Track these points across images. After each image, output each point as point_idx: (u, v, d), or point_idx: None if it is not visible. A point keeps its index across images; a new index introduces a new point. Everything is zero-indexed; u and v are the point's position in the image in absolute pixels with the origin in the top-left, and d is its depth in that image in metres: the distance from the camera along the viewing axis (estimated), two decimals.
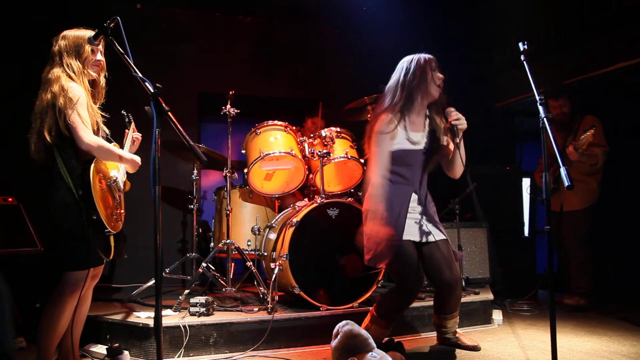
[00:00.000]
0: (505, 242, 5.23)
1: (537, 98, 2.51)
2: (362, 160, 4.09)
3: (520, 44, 2.61)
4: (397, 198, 2.91)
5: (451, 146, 3.01)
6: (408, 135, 2.94)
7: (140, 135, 2.99)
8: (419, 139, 2.99)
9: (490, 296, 4.07)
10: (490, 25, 6.05)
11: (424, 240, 2.93)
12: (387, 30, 5.54)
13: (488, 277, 4.68)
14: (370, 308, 3.16)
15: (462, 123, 2.88)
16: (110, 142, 2.72)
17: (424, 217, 2.98)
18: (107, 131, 2.74)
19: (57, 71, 2.56)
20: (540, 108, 2.50)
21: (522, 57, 2.62)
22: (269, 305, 3.39)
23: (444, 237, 2.99)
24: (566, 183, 2.33)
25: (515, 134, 6.53)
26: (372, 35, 5.61)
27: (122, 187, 2.79)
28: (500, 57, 5.77)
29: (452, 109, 2.91)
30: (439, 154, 3.05)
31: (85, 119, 2.51)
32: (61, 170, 2.48)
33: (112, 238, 2.66)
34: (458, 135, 2.89)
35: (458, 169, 3.01)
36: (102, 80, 2.76)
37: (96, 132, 2.61)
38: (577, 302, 4.49)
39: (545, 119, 2.46)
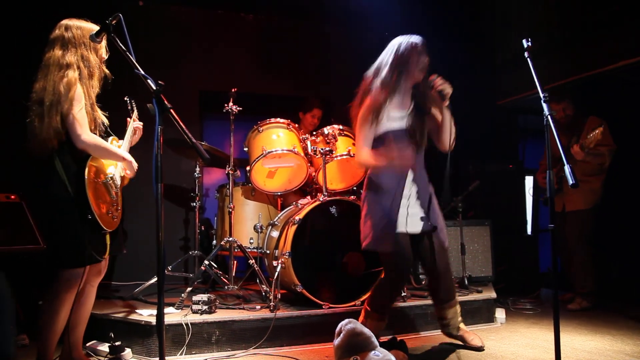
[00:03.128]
0: (508, 240, 5.22)
1: (542, 95, 2.50)
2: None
3: (524, 41, 2.60)
4: (391, 181, 2.93)
5: (438, 116, 3.02)
6: (396, 115, 2.96)
7: (142, 124, 2.95)
8: (403, 118, 2.99)
9: (493, 294, 4.05)
10: (493, 22, 6.03)
11: (417, 227, 2.93)
12: (391, 28, 5.51)
13: (491, 275, 4.67)
14: (365, 304, 3.14)
15: (447, 88, 2.88)
16: (108, 135, 2.70)
17: (419, 201, 2.97)
18: (107, 122, 2.70)
19: (70, 59, 2.50)
20: (545, 105, 2.48)
21: (526, 54, 2.60)
22: (272, 304, 3.39)
23: (437, 223, 2.99)
24: (571, 181, 2.31)
25: (518, 132, 6.51)
26: (375, 33, 5.59)
27: (119, 183, 2.75)
28: (502, 55, 5.75)
29: (435, 76, 2.91)
30: (428, 128, 3.05)
31: (83, 117, 2.48)
32: (57, 166, 2.45)
33: (107, 236, 2.64)
34: (445, 99, 2.90)
35: (447, 137, 2.99)
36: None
37: (94, 130, 2.58)
38: (579, 305, 4.47)
39: (549, 117, 2.44)
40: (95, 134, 2.59)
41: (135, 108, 2.98)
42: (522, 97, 5.59)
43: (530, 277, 5.38)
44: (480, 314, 3.94)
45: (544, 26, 5.29)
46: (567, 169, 2.35)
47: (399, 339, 2.76)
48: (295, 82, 5.76)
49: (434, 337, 3.52)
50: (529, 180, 6.02)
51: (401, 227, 2.88)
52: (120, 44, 2.12)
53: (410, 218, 2.91)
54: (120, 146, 2.77)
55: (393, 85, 2.93)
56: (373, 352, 2.37)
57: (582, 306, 4.45)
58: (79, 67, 2.53)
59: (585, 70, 4.91)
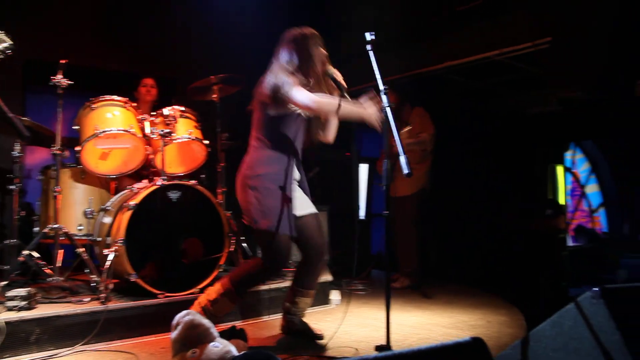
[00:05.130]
0: (344, 224, 5.47)
1: (382, 88, 2.63)
2: (206, 142, 3.97)
3: (367, 34, 2.69)
4: (285, 163, 2.92)
5: None
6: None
7: None
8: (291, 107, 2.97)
9: (329, 277, 4.22)
10: (339, 14, 6.20)
11: (301, 212, 2.97)
12: (240, 13, 5.46)
13: (327, 259, 4.84)
14: (225, 278, 3.04)
15: (341, 78, 2.97)
16: None
17: (301, 188, 3.04)
18: None
19: None
20: (384, 97, 2.62)
21: (369, 47, 2.71)
22: (102, 295, 3.15)
23: (315, 209, 3.07)
24: (405, 171, 2.48)
25: (356, 122, 6.81)
26: (223, 16, 5.48)
27: None
28: (347, 45, 5.95)
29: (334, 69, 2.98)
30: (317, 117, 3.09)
31: None
32: None
33: None
34: (342, 90, 2.94)
35: (334, 129, 3.13)
36: None
37: None
38: (402, 284, 4.84)
39: (388, 109, 2.58)
40: None
41: None
42: (362, 88, 5.86)
43: (362, 259, 5.70)
44: (316, 296, 4.04)
45: (383, 23, 5.58)
46: (402, 159, 2.50)
47: (238, 327, 2.73)
48: (136, 59, 5.41)
49: (275, 321, 3.56)
50: (364, 168, 6.35)
51: (295, 211, 2.90)
52: None
53: (299, 201, 2.95)
54: None
55: (303, 78, 2.92)
56: (212, 343, 2.32)
57: (405, 285, 4.84)
58: None
59: (417, 68, 5.31)
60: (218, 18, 5.55)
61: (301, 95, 2.80)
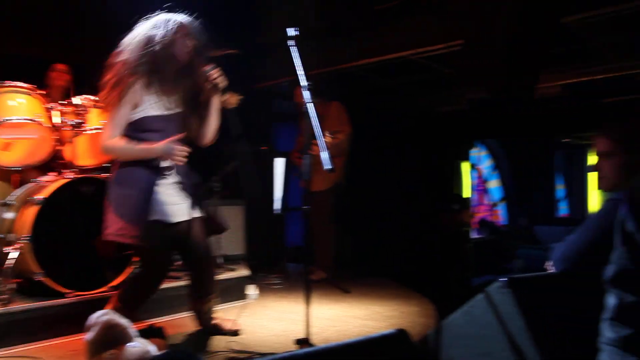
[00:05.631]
0: (259, 218, 5.46)
1: (305, 83, 2.64)
2: None
3: (290, 29, 2.69)
4: (144, 169, 2.69)
5: (208, 108, 2.92)
6: (158, 100, 2.74)
7: None
8: (170, 104, 2.79)
9: (246, 272, 4.20)
10: (256, 3, 6.13)
11: (178, 218, 2.75)
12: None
13: (244, 254, 4.83)
14: (114, 297, 2.89)
15: (222, 81, 2.82)
16: None
17: (181, 190, 2.82)
18: None
19: None
20: (306, 93, 2.63)
21: (291, 42, 2.71)
22: (4, 296, 2.94)
23: (200, 213, 2.89)
24: (327, 166, 2.52)
25: (272, 116, 6.81)
26: (141, 2, 5.25)
27: None
28: (264, 39, 5.91)
29: (211, 67, 2.81)
30: (195, 117, 2.91)
31: None
32: None
33: None
34: (218, 92, 2.85)
35: (211, 131, 2.96)
36: None
37: None
38: (318, 277, 4.91)
39: (310, 104, 2.60)
40: None
41: None
42: (279, 82, 5.87)
43: (278, 253, 5.73)
44: (233, 291, 4.03)
45: (301, 17, 5.60)
46: (323, 155, 2.54)
47: (157, 325, 2.66)
48: (46, 44, 5.03)
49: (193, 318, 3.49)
50: (280, 162, 6.36)
51: (160, 217, 2.69)
52: None
53: (176, 207, 2.75)
54: None
55: (153, 67, 2.67)
56: (131, 344, 2.24)
57: (321, 277, 4.90)
58: None
59: (333, 65, 5.39)
60: (130, 4, 5.31)
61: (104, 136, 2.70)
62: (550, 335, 1.88)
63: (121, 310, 2.76)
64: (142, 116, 2.72)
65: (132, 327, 2.37)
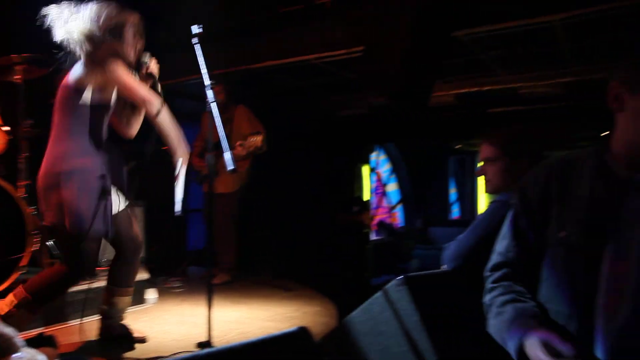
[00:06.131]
0: (160, 220, 5.29)
1: (208, 82, 2.61)
2: (6, 128, 3.55)
3: (195, 27, 2.65)
4: (96, 158, 2.67)
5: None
6: (97, 88, 2.67)
7: None
8: (108, 95, 2.74)
9: (146, 275, 4.07)
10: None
11: (114, 209, 2.75)
12: None
13: (143, 256, 4.65)
14: (19, 288, 2.70)
15: (156, 70, 2.82)
16: None
17: (114, 180, 2.78)
18: None
19: None
20: (209, 92, 2.60)
21: (195, 40, 2.66)
22: None
23: (126, 202, 2.88)
24: (230, 167, 2.50)
25: (174, 115, 6.63)
26: None
27: None
28: (167, 38, 5.75)
29: (148, 56, 2.79)
30: (123, 109, 2.88)
31: None
32: None
33: None
34: (153, 83, 2.80)
35: (137, 124, 2.98)
36: None
37: None
38: (221, 280, 4.85)
39: (214, 104, 2.57)
40: None
41: None
42: (182, 81, 5.73)
43: (178, 256, 5.59)
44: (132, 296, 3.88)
45: (205, 15, 5.51)
46: (227, 155, 2.52)
47: (47, 333, 2.50)
48: None
49: (88, 325, 3.29)
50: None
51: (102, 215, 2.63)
52: None
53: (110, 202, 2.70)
54: None
55: (93, 58, 2.60)
56: (17, 354, 2.08)
57: (224, 280, 4.85)
58: None
59: (238, 65, 5.36)
60: None
61: (145, 92, 2.65)
62: (443, 329, 1.99)
63: (28, 303, 2.63)
64: (83, 102, 2.64)
65: (18, 337, 2.21)
